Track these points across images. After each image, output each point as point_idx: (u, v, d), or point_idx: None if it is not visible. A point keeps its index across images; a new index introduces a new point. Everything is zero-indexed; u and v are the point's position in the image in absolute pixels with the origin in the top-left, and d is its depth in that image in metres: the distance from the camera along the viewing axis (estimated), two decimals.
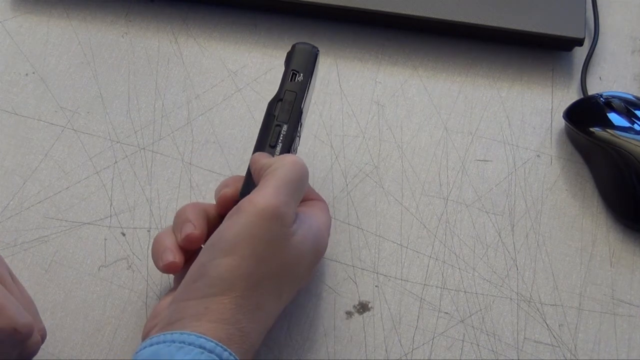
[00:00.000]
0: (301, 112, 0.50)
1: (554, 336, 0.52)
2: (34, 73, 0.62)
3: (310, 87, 0.51)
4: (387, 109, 0.61)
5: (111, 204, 0.57)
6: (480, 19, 0.62)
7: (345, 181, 0.58)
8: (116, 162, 0.58)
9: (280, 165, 0.46)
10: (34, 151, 0.59)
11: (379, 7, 0.63)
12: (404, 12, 0.62)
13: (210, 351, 0.41)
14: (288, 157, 0.47)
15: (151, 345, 0.41)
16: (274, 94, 0.50)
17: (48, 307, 0.52)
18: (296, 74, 0.50)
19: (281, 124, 0.49)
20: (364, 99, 0.62)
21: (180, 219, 0.49)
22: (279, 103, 0.50)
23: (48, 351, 0.51)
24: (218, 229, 0.45)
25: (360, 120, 0.61)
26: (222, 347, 0.41)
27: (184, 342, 0.41)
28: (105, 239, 0.55)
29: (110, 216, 0.56)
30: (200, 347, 0.41)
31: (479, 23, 0.62)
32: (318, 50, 0.51)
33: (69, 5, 0.66)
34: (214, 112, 0.61)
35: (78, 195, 0.57)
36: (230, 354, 0.41)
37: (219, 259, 0.44)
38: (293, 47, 0.51)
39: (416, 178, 0.58)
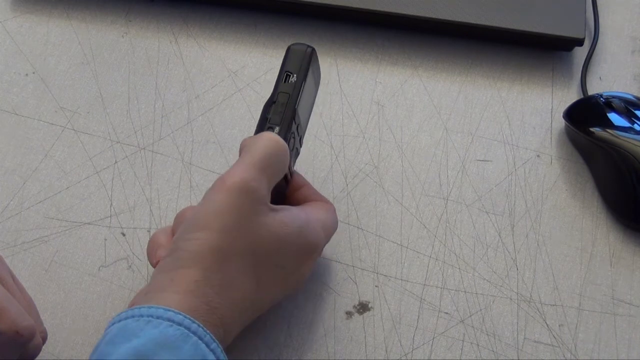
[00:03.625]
0: (295, 114, 0.49)
1: (554, 336, 0.52)
2: (34, 73, 0.62)
3: (307, 87, 0.51)
4: (387, 109, 0.61)
5: (111, 204, 0.57)
6: (480, 19, 0.62)
7: (345, 181, 0.58)
8: (116, 162, 0.58)
9: (252, 142, 0.47)
10: (34, 151, 0.59)
11: (379, 7, 0.63)
12: (404, 12, 0.62)
13: (179, 324, 0.41)
14: (262, 135, 0.47)
15: (120, 320, 0.41)
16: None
17: (48, 307, 0.52)
18: (289, 75, 0.50)
19: (273, 127, 0.49)
20: (364, 99, 0.62)
21: (179, 221, 0.49)
22: (272, 105, 0.49)
23: (48, 351, 0.51)
24: (193, 208, 0.46)
25: (360, 120, 0.61)
26: (190, 319, 0.41)
27: (151, 316, 0.41)
28: (105, 239, 0.55)
29: (110, 216, 0.56)
30: (169, 319, 0.41)
31: (479, 23, 0.62)
32: (313, 49, 0.51)
33: (69, 5, 0.66)
34: (214, 112, 0.61)
35: (78, 195, 0.57)
36: (199, 325, 0.41)
37: (190, 234, 0.44)
38: (288, 48, 0.51)
39: (416, 178, 0.58)
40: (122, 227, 0.56)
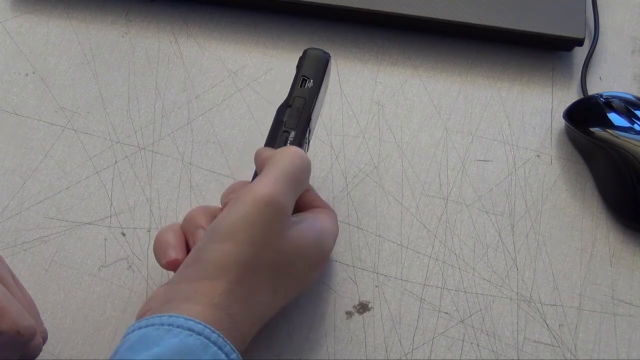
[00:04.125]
0: (310, 119, 0.50)
1: (554, 336, 0.52)
2: (34, 73, 0.62)
3: (321, 94, 0.51)
4: (387, 109, 0.61)
5: (111, 204, 0.57)
6: (480, 19, 0.62)
7: (345, 181, 0.58)
8: (116, 162, 0.58)
9: (281, 156, 0.47)
10: (34, 151, 0.59)
11: (379, 7, 0.63)
12: (404, 12, 0.62)
13: (199, 333, 0.41)
14: (290, 149, 0.47)
15: (139, 328, 0.41)
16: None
17: (48, 307, 0.52)
18: (306, 80, 0.50)
19: (289, 130, 0.49)
20: (364, 99, 0.62)
21: (192, 225, 0.48)
22: (288, 109, 0.50)
23: (48, 351, 0.51)
24: (217, 216, 0.46)
25: (360, 120, 0.61)
26: (210, 329, 0.41)
27: (172, 325, 0.41)
28: (105, 239, 0.55)
29: (110, 216, 0.56)
30: (189, 329, 0.41)
31: (479, 23, 0.62)
32: (329, 56, 0.51)
33: (69, 5, 0.66)
34: (214, 112, 0.61)
35: (78, 195, 0.57)
36: (219, 335, 0.41)
37: (215, 244, 0.44)
38: (305, 52, 0.51)
39: (416, 178, 0.58)
40: (122, 227, 0.56)
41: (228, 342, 0.41)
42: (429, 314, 0.53)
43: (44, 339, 0.47)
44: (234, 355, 0.41)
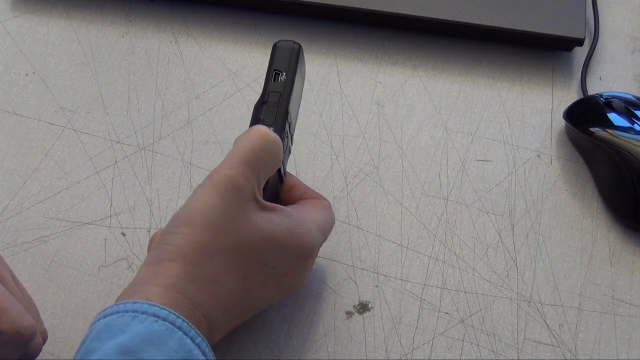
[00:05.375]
0: (287, 112, 0.49)
1: (554, 336, 0.52)
2: (34, 73, 0.62)
3: (297, 85, 0.50)
4: (387, 109, 0.61)
5: (111, 204, 0.57)
6: (480, 19, 0.62)
7: (345, 181, 0.58)
8: (116, 162, 0.58)
9: (241, 138, 0.46)
10: (34, 151, 0.59)
11: (379, 7, 0.63)
12: (404, 12, 0.62)
13: (164, 319, 0.41)
14: (252, 130, 0.47)
15: (105, 316, 0.41)
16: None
17: (48, 307, 0.52)
18: (279, 74, 0.49)
19: (268, 127, 0.48)
20: (364, 99, 0.62)
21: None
22: (264, 105, 0.48)
23: (48, 351, 0.51)
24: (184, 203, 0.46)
25: (360, 120, 0.61)
26: (175, 314, 0.41)
27: (136, 311, 0.41)
28: (105, 239, 0.55)
29: (110, 216, 0.56)
30: (154, 315, 0.41)
31: (479, 23, 0.62)
32: (300, 46, 0.50)
33: (69, 5, 0.66)
34: (214, 112, 0.61)
35: (78, 195, 0.57)
36: (184, 321, 0.41)
37: (176, 227, 0.44)
38: (274, 45, 0.50)
39: (416, 178, 0.58)
40: (122, 227, 0.56)
41: (193, 326, 0.41)
42: (429, 314, 0.53)
43: (44, 339, 0.47)
44: (198, 339, 0.41)
